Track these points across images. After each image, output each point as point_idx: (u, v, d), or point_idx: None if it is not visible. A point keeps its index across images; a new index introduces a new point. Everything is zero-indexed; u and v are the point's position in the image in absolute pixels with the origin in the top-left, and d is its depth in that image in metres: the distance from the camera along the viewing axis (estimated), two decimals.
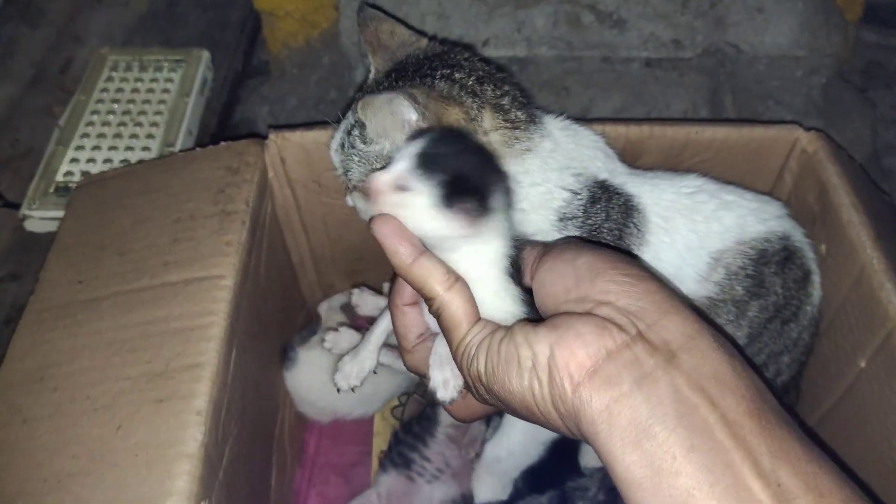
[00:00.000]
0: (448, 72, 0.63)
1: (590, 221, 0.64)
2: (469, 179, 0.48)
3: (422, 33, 0.73)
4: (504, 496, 0.81)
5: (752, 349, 0.69)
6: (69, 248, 0.73)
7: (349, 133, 0.65)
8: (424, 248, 0.49)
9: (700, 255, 0.67)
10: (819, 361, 0.76)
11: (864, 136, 1.13)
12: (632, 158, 0.78)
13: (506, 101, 0.64)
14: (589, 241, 0.55)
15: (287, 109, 1.21)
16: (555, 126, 0.67)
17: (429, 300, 0.49)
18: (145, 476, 0.55)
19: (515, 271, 0.50)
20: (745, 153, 0.79)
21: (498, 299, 0.49)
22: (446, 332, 0.49)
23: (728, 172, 0.77)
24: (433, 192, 0.47)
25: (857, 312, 0.70)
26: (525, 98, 0.67)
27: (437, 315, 0.49)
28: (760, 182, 0.81)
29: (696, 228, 0.67)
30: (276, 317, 0.87)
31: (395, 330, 0.57)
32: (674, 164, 0.80)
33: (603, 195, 0.65)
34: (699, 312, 0.44)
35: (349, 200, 0.71)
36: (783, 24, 1.07)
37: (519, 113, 0.64)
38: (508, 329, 0.45)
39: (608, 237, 0.64)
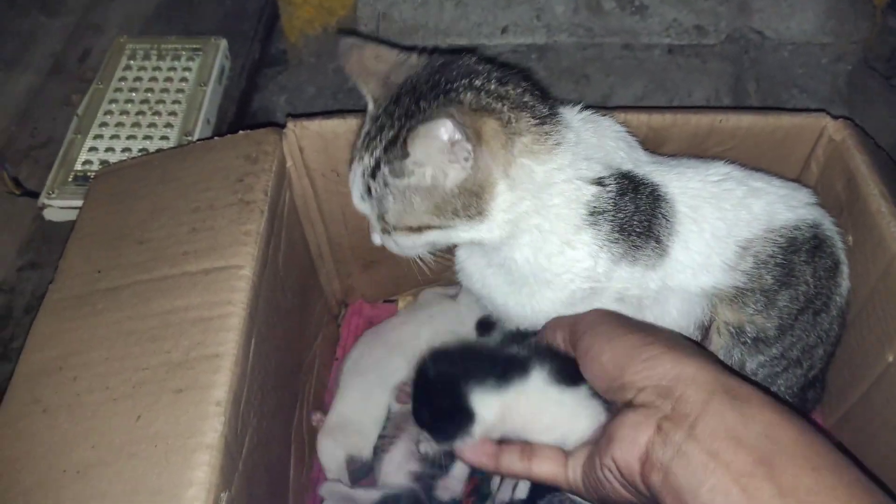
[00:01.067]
0: (467, 81, 0.61)
1: (620, 215, 0.62)
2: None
3: (407, 48, 0.68)
4: None
5: (784, 342, 0.67)
6: (88, 237, 0.73)
7: (373, 176, 0.62)
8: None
9: (728, 244, 0.65)
10: (845, 354, 0.74)
11: (889, 124, 1.11)
12: (654, 147, 0.77)
13: (528, 98, 0.62)
14: (604, 324, 0.59)
15: (305, 98, 1.21)
16: (575, 118, 0.66)
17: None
18: (165, 467, 0.55)
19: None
20: (770, 141, 0.78)
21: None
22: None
23: (753, 161, 0.75)
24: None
25: (885, 304, 0.68)
26: (540, 91, 0.65)
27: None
28: (786, 171, 0.79)
29: (724, 216, 0.65)
30: (294, 307, 0.87)
31: None
32: (697, 152, 0.78)
33: (630, 186, 0.64)
34: (715, 360, 0.53)
35: (377, 238, 0.67)
36: (809, 10, 1.05)
37: (542, 108, 0.62)
38: (587, 457, 0.56)
39: (638, 228, 0.63)
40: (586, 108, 0.68)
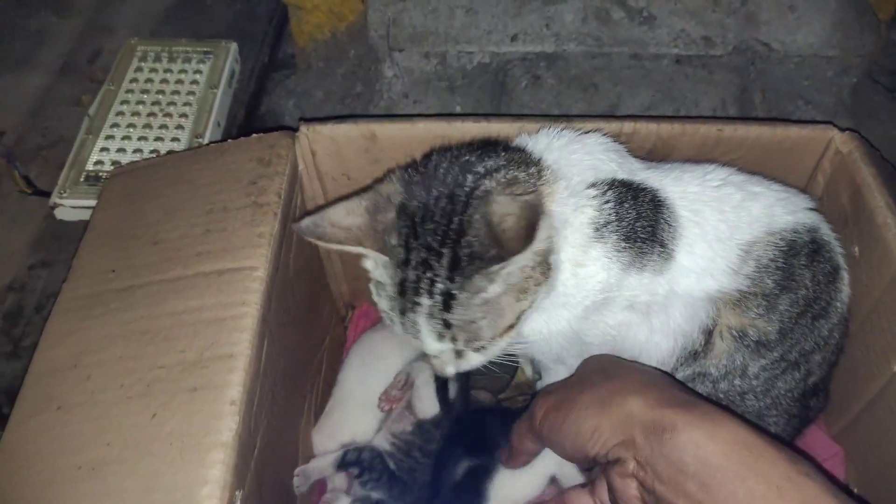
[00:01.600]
0: (473, 178, 0.61)
1: (623, 223, 0.63)
2: None
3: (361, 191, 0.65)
4: None
5: (783, 346, 0.68)
6: (102, 237, 0.73)
7: (447, 309, 0.58)
8: None
9: (731, 247, 0.66)
10: (849, 364, 0.75)
11: (893, 136, 1.12)
12: (662, 155, 0.78)
13: (515, 155, 0.64)
14: (551, 412, 0.60)
15: (313, 102, 1.21)
16: (555, 144, 0.67)
17: None
18: (180, 465, 0.55)
19: None
20: (777, 152, 0.79)
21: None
22: None
23: (759, 171, 0.75)
24: None
25: (890, 315, 0.69)
26: (517, 150, 0.67)
27: None
28: (793, 182, 0.80)
29: (725, 219, 0.66)
30: (304, 309, 0.87)
31: None
32: (705, 161, 0.79)
33: (629, 194, 0.65)
34: (676, 383, 0.58)
35: (451, 370, 0.65)
36: (815, 24, 1.06)
37: (526, 171, 0.63)
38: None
39: (642, 234, 0.64)
40: (564, 129, 0.70)
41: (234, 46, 1.18)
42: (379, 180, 0.65)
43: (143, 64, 1.14)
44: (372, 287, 0.65)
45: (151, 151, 1.01)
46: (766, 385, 0.69)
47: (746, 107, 1.04)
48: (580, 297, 0.64)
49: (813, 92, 1.08)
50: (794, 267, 0.67)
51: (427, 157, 0.66)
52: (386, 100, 1.11)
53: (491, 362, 0.65)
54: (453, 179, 0.61)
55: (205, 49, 1.16)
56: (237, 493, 0.56)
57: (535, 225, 0.55)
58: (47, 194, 1.01)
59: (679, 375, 0.69)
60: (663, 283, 0.65)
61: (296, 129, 0.79)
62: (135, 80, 1.11)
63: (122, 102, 1.08)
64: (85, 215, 0.98)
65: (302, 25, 1.21)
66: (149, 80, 1.11)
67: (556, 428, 0.59)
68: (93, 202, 0.90)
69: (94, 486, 0.56)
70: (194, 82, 1.11)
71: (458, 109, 1.08)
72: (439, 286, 0.58)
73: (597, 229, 0.63)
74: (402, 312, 0.61)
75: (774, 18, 1.05)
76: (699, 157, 0.79)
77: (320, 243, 0.63)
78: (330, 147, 0.80)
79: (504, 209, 0.57)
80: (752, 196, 0.68)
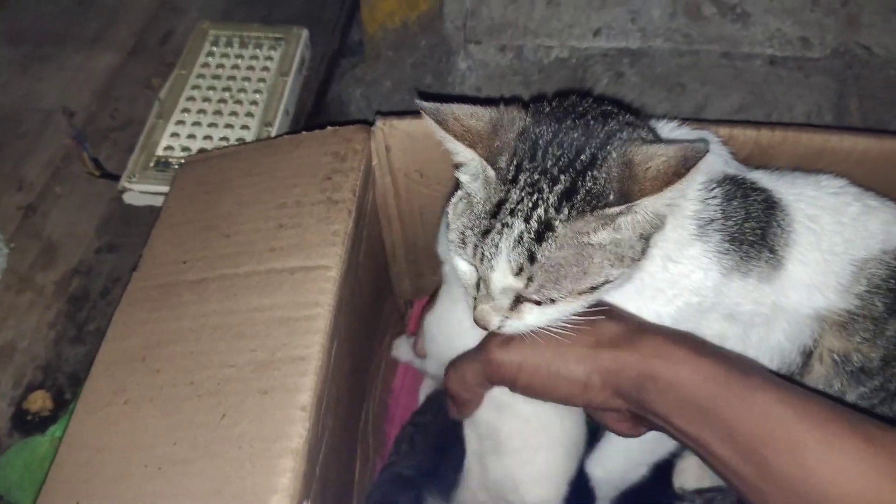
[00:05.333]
0: (635, 127, 0.57)
1: (729, 223, 0.58)
2: None
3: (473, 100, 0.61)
4: None
5: (884, 374, 0.63)
6: (174, 226, 0.72)
7: (541, 239, 0.53)
8: None
9: (844, 262, 0.61)
10: None
11: None
12: (759, 165, 0.73)
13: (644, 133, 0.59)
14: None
15: (381, 92, 1.19)
16: (671, 133, 0.63)
17: None
18: (249, 470, 0.53)
19: None
20: (887, 166, 0.73)
21: None
22: None
23: (866, 187, 0.70)
24: None
25: None
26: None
27: None
28: None
29: (841, 231, 0.61)
30: (367, 307, 0.85)
31: None
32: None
33: (738, 191, 0.59)
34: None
35: (495, 322, 0.57)
36: None
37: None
38: None
39: (751, 237, 0.58)
40: (683, 121, 0.65)
41: (305, 33, 1.16)
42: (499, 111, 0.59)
43: (214, 48, 1.13)
44: (452, 205, 0.59)
45: (221, 139, 1.00)
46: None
47: (843, 114, 0.97)
48: (671, 295, 0.59)
49: None
50: None
51: (559, 96, 0.61)
52: (458, 93, 1.07)
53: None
54: (593, 118, 0.57)
55: (276, 35, 1.15)
56: (304, 502, 0.54)
57: (685, 171, 0.50)
58: (116, 177, 1.00)
59: None
60: (770, 293, 0.60)
61: (369, 122, 0.77)
62: (206, 65, 1.10)
63: (194, 87, 1.07)
64: (153, 200, 0.97)
65: (374, 13, 1.18)
66: (220, 66, 1.10)
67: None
68: (161, 188, 0.89)
69: (162, 486, 0.54)
70: (265, 69, 1.09)
71: None
72: (540, 213, 0.52)
73: (700, 226, 0.58)
74: (485, 233, 0.54)
75: (878, 21, 0.98)
76: (800, 168, 0.74)
77: (438, 128, 0.56)
78: (405, 142, 0.78)
79: (657, 151, 0.52)
80: (870, 210, 0.63)
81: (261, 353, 0.59)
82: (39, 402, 0.84)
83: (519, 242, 0.53)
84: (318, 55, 1.21)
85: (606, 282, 0.55)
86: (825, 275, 0.60)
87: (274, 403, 0.56)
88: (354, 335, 0.77)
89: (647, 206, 0.52)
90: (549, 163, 0.54)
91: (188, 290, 0.65)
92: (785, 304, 0.61)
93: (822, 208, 0.62)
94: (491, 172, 0.55)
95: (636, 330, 0.57)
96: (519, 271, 0.53)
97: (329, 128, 0.77)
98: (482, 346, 0.63)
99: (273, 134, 1.01)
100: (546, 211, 0.53)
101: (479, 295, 0.57)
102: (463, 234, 0.57)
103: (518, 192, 0.54)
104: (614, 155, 0.53)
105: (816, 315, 0.61)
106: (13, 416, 0.83)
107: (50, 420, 0.83)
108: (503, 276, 0.54)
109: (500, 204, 0.54)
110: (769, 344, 0.62)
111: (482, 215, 0.55)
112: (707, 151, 0.51)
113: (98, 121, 1.14)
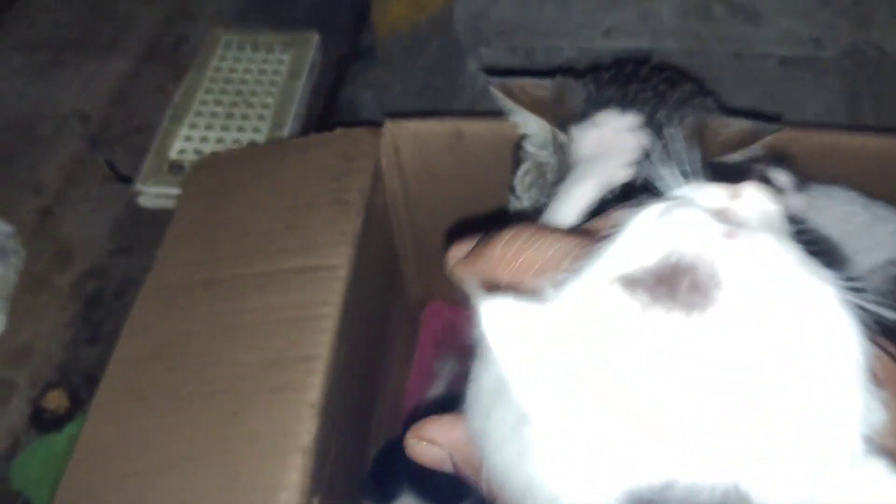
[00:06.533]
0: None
1: None
2: None
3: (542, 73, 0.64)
4: None
5: None
6: (187, 227, 0.73)
7: None
8: None
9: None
10: None
11: None
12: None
13: None
14: None
15: (392, 95, 1.19)
16: None
17: None
18: (259, 467, 0.54)
19: None
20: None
21: None
22: None
23: (879, 189, 0.70)
24: None
25: None
26: None
27: None
28: None
29: (849, 242, 0.61)
30: (376, 308, 0.86)
31: None
32: (814, 173, 0.74)
33: None
34: None
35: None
36: None
37: None
38: None
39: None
40: None
41: (316, 37, 1.17)
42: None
43: (226, 53, 1.14)
44: (518, 179, 0.62)
45: (233, 141, 1.01)
46: None
47: (855, 114, 0.97)
48: None
49: None
50: None
51: (617, 63, 0.62)
52: (468, 95, 1.08)
53: None
54: (661, 83, 0.57)
55: (288, 40, 1.16)
56: (314, 499, 0.55)
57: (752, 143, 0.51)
58: (130, 180, 1.02)
59: None
60: None
61: (379, 124, 0.77)
62: (218, 69, 1.12)
63: (207, 91, 1.08)
64: (167, 203, 0.98)
65: (384, 16, 1.20)
66: (232, 70, 1.11)
67: None
68: (175, 190, 0.90)
69: (174, 483, 0.55)
70: (277, 73, 1.10)
71: None
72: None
73: None
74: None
75: (890, 21, 0.97)
76: (808, 169, 0.73)
77: (508, 99, 0.59)
78: (414, 144, 0.78)
79: (731, 121, 0.53)
80: (879, 219, 0.63)
81: (270, 353, 0.60)
82: (56, 400, 0.86)
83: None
84: (330, 59, 1.21)
85: None
86: None
87: (284, 402, 0.57)
88: (362, 337, 0.77)
89: None
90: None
91: (200, 290, 0.66)
92: None
93: (830, 218, 0.62)
94: (563, 137, 0.56)
95: None
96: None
97: (338, 129, 0.77)
98: None
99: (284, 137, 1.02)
100: None
101: None
102: (538, 200, 0.59)
103: None
104: (689, 119, 0.54)
105: None
106: (31, 415, 0.85)
107: (66, 418, 0.84)
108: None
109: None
110: None
111: (556, 182, 0.57)
112: (780, 129, 0.51)
113: (112, 125, 1.16)
